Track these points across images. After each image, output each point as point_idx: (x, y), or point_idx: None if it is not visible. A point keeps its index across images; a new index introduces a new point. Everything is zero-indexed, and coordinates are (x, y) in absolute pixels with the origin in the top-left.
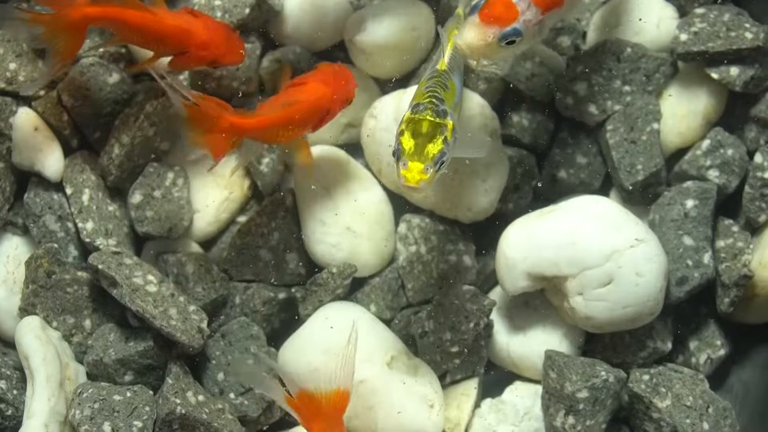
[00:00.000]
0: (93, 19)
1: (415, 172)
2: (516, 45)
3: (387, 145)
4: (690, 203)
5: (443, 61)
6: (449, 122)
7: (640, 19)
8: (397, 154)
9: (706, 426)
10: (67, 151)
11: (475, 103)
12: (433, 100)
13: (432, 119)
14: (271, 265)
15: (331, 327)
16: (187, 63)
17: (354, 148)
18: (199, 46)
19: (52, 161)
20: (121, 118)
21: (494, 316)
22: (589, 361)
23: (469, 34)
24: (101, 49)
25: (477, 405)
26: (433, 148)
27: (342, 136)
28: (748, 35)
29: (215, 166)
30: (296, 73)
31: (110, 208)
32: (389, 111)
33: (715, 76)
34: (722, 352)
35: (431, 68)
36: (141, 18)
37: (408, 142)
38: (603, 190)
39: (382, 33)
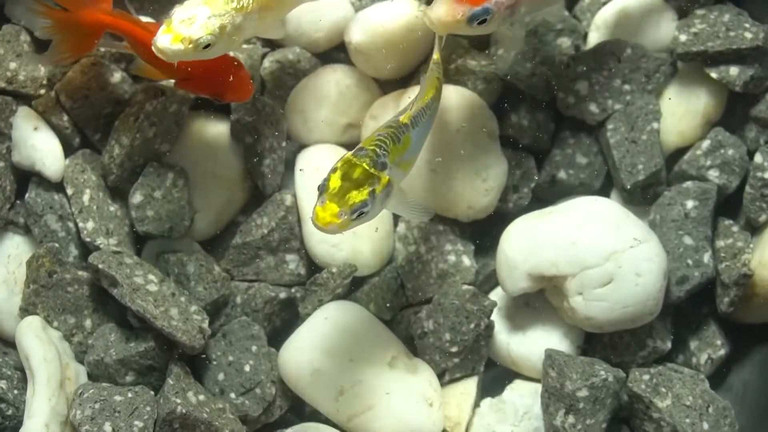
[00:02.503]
0: (105, 26)
1: (327, 214)
2: (485, 25)
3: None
4: (690, 203)
5: (409, 113)
6: (384, 177)
7: (643, 19)
8: (321, 189)
9: (705, 426)
10: (68, 151)
11: (474, 104)
12: (377, 150)
13: (367, 168)
14: (272, 265)
15: (331, 327)
16: (191, 88)
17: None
18: (201, 76)
19: (52, 161)
20: (121, 118)
21: (494, 316)
22: (589, 360)
23: (439, 10)
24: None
25: (477, 404)
26: (356, 197)
27: (343, 136)
28: (748, 35)
29: None
30: (297, 75)
31: (111, 208)
32: (389, 111)
33: (714, 75)
34: (722, 351)
35: (397, 115)
36: (149, 38)
37: (335, 182)
38: (603, 191)
39: (381, 34)
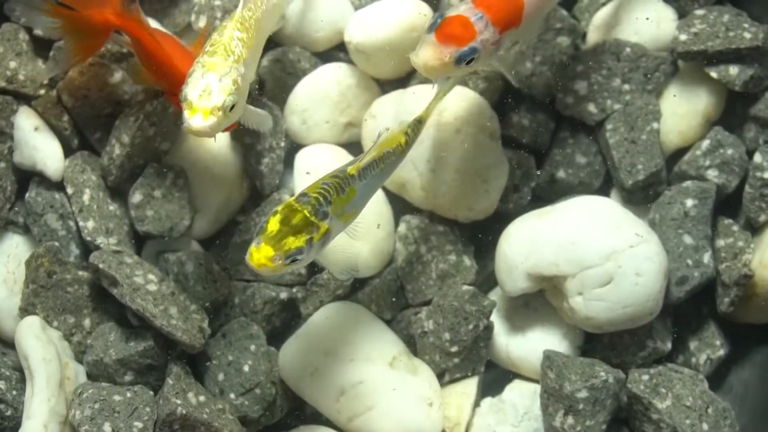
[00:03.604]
0: (113, 28)
1: (261, 255)
2: (472, 65)
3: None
4: (690, 203)
5: (357, 165)
6: (324, 226)
7: (647, 18)
8: (258, 229)
9: (705, 427)
10: (68, 152)
11: (475, 103)
12: (320, 198)
13: (308, 215)
14: None
15: (332, 327)
16: (177, 104)
17: (355, 147)
18: None
19: (53, 161)
20: (121, 118)
21: (494, 316)
22: (588, 361)
23: (425, 54)
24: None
25: (477, 404)
26: (293, 243)
27: (343, 135)
28: (747, 35)
29: None
30: (297, 75)
31: (111, 208)
32: (389, 111)
33: (714, 75)
34: (722, 352)
35: (346, 164)
36: (153, 46)
37: (273, 225)
38: (603, 190)
39: (381, 34)
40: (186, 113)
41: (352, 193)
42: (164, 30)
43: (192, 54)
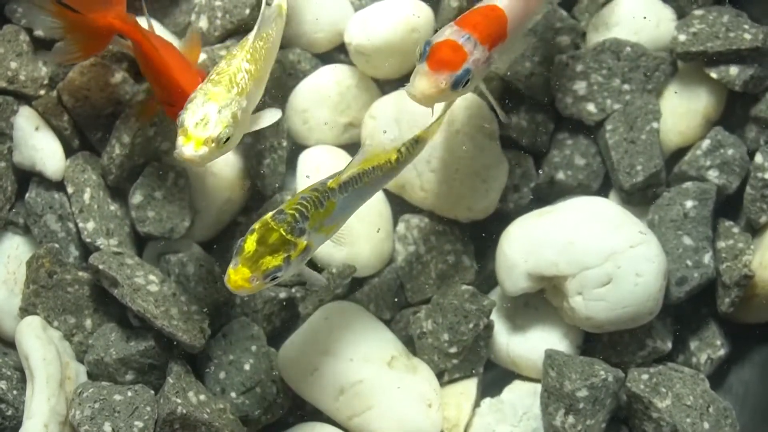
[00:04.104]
0: (116, 32)
1: (239, 278)
2: (467, 86)
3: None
4: (689, 204)
5: (338, 179)
6: (301, 243)
7: (645, 17)
8: (236, 249)
9: (706, 426)
10: (69, 151)
11: (473, 104)
12: (296, 215)
13: (283, 234)
14: None
15: (331, 327)
16: (172, 115)
17: (355, 148)
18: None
19: (53, 161)
20: (122, 117)
21: (494, 316)
22: (589, 360)
23: (421, 84)
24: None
25: (477, 405)
26: (270, 262)
27: (343, 136)
28: (747, 36)
29: None
30: (298, 76)
31: (111, 208)
32: (389, 112)
33: (714, 75)
34: (722, 352)
35: (327, 177)
36: (154, 55)
37: (250, 245)
38: (602, 192)
39: (382, 34)
40: (180, 139)
41: (331, 207)
42: (167, 36)
43: (192, 65)
